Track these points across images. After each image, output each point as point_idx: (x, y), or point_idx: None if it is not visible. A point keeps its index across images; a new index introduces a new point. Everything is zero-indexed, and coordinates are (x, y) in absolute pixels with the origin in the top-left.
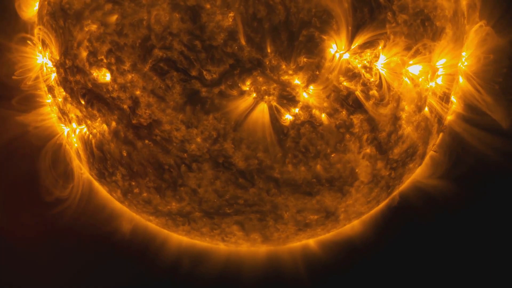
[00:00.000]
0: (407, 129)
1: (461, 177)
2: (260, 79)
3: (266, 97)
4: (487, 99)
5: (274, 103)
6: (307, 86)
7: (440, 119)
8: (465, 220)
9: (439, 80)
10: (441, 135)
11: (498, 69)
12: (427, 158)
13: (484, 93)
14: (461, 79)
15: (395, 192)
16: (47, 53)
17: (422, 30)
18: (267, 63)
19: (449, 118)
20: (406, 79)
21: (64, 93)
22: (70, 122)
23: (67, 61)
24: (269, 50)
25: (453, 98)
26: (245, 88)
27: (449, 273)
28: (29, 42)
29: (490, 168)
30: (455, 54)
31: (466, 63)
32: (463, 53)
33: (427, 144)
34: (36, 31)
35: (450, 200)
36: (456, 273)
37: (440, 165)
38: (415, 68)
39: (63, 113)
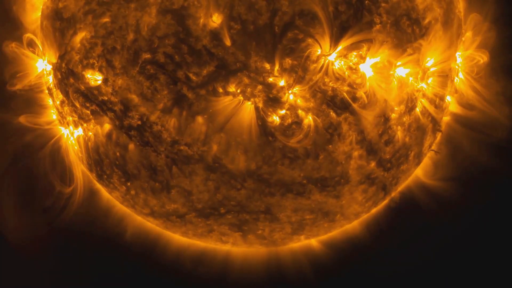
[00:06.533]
0: (398, 130)
1: (460, 177)
2: (246, 80)
3: (252, 98)
4: (484, 99)
5: (261, 105)
6: (292, 87)
7: (434, 120)
8: (466, 220)
9: (431, 81)
10: (439, 135)
11: (495, 69)
12: (426, 158)
13: (481, 93)
14: (456, 79)
15: (394, 193)
16: (46, 56)
17: (410, 31)
18: (252, 65)
19: (445, 118)
20: (394, 80)
21: (61, 96)
22: (68, 124)
23: (63, 65)
24: (254, 52)
25: (448, 98)
26: (231, 89)
27: (450, 273)
28: (30, 45)
29: (489, 168)
30: (447, 54)
31: (461, 63)
32: (458, 53)
33: (422, 145)
34: (33, 34)
35: (451, 201)
36: (458, 273)
37: (440, 165)
38: (404, 69)
39: (61, 115)
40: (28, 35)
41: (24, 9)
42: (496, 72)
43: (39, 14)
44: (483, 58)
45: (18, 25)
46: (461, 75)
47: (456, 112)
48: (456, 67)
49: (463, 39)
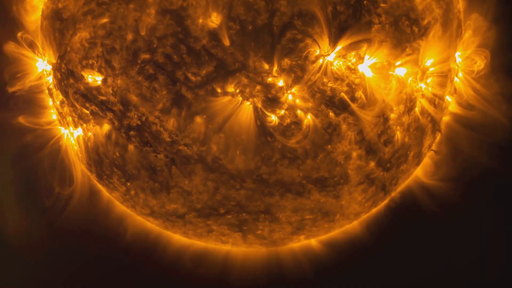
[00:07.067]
0: (397, 130)
1: (460, 177)
2: (245, 80)
3: (251, 98)
4: (484, 99)
5: (259, 105)
6: (291, 87)
7: (434, 120)
8: (466, 220)
9: (431, 81)
10: (438, 135)
11: (495, 69)
12: (426, 158)
13: (481, 92)
14: (456, 79)
15: (394, 193)
16: (46, 57)
17: (409, 31)
18: (251, 65)
19: (445, 118)
20: (393, 80)
21: (61, 96)
22: (68, 124)
23: (62, 65)
24: (252, 52)
25: (448, 98)
26: (230, 89)
27: (450, 272)
28: (30, 45)
29: (489, 168)
30: (446, 54)
31: (461, 63)
32: (458, 53)
33: (421, 145)
34: (33, 34)
35: (451, 201)
36: (458, 272)
37: (440, 166)
38: (402, 69)
39: (61, 115)
40: (28, 36)
41: (25, 10)
42: (496, 72)
43: (39, 14)
44: (482, 58)
45: (18, 25)
46: (460, 75)
47: (456, 112)
48: (456, 67)
49: (463, 39)
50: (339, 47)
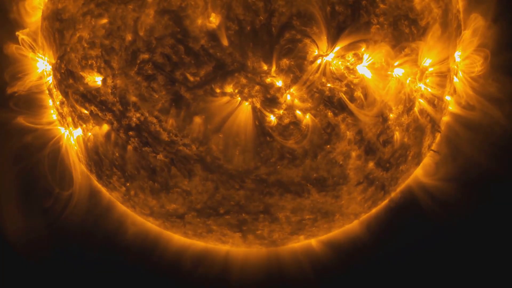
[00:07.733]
0: (396, 130)
1: (460, 177)
2: (243, 81)
3: (250, 99)
4: (484, 99)
5: (258, 105)
6: (290, 87)
7: (433, 120)
8: (466, 220)
9: (430, 81)
10: (438, 135)
11: (494, 68)
12: (426, 158)
13: (480, 92)
14: (456, 79)
15: (394, 193)
16: (46, 57)
17: (407, 32)
18: (250, 65)
19: (445, 118)
20: (392, 81)
21: (61, 97)
22: (68, 125)
23: (62, 65)
24: (251, 53)
25: (448, 98)
26: (229, 90)
27: (450, 272)
28: (31, 46)
29: (489, 168)
30: (445, 54)
31: (460, 63)
32: (457, 53)
33: (421, 145)
34: (34, 35)
35: (451, 201)
36: (458, 272)
37: (440, 166)
38: (401, 69)
39: (61, 116)
40: (29, 36)
41: (25, 10)
42: (496, 72)
43: (39, 15)
44: (482, 58)
45: (18, 26)
46: (460, 74)
47: (456, 112)
48: (455, 67)
49: (463, 39)
50: (337, 47)
